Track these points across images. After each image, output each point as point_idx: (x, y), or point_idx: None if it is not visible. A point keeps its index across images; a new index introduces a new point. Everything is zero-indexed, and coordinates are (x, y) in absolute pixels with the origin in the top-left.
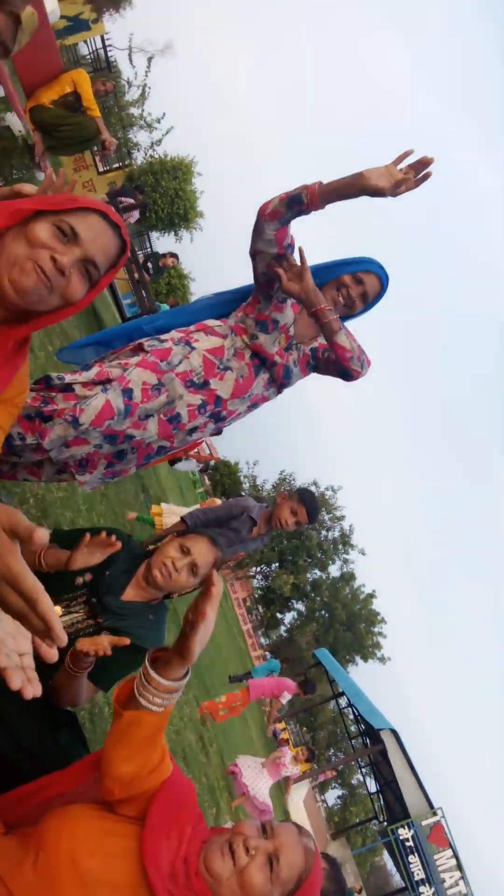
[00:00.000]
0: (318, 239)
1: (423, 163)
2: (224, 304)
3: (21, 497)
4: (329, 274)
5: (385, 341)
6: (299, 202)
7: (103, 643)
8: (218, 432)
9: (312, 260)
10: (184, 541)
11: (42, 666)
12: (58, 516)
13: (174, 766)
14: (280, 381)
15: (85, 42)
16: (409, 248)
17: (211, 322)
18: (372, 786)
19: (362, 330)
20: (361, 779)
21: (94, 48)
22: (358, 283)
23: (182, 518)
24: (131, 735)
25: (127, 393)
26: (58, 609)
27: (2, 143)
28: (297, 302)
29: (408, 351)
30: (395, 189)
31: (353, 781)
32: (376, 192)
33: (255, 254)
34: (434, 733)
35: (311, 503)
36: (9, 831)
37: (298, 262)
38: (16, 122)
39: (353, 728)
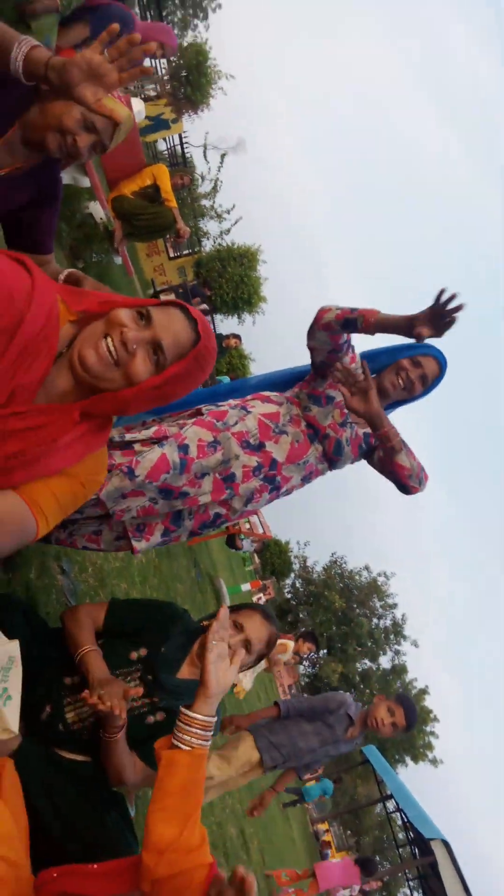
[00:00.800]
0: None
1: (457, 308)
2: (282, 381)
3: (81, 566)
4: (389, 358)
5: (449, 429)
6: (353, 327)
7: (111, 699)
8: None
9: (373, 345)
10: (237, 617)
11: (94, 743)
12: (113, 587)
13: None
14: (331, 456)
15: (164, 139)
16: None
17: (268, 392)
18: None
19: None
20: (408, 893)
21: (171, 144)
22: (416, 366)
23: (275, 702)
24: (167, 784)
25: (183, 448)
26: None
27: (84, 230)
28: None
29: (472, 438)
30: (440, 334)
31: (400, 895)
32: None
33: (312, 348)
34: (490, 848)
35: (409, 706)
36: None
37: (361, 376)
38: (98, 211)
39: (401, 835)
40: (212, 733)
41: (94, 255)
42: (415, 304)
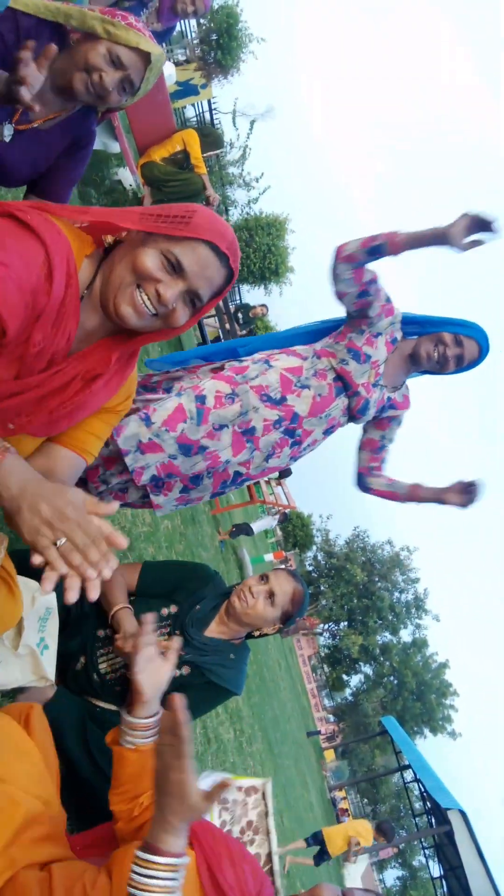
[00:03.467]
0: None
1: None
2: (315, 334)
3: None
4: (433, 328)
5: (479, 404)
6: (380, 252)
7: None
8: (290, 466)
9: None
10: (264, 573)
11: (125, 694)
12: (141, 550)
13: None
14: (355, 413)
15: (192, 105)
16: None
17: (296, 347)
18: (435, 869)
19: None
20: (424, 861)
21: (200, 111)
22: (457, 345)
23: None
24: (120, 774)
25: (200, 399)
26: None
27: (113, 196)
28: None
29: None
30: (466, 246)
31: (415, 863)
32: (451, 245)
33: (340, 296)
34: None
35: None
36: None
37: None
38: (127, 177)
39: (417, 805)
40: (155, 729)
41: None
42: (451, 283)
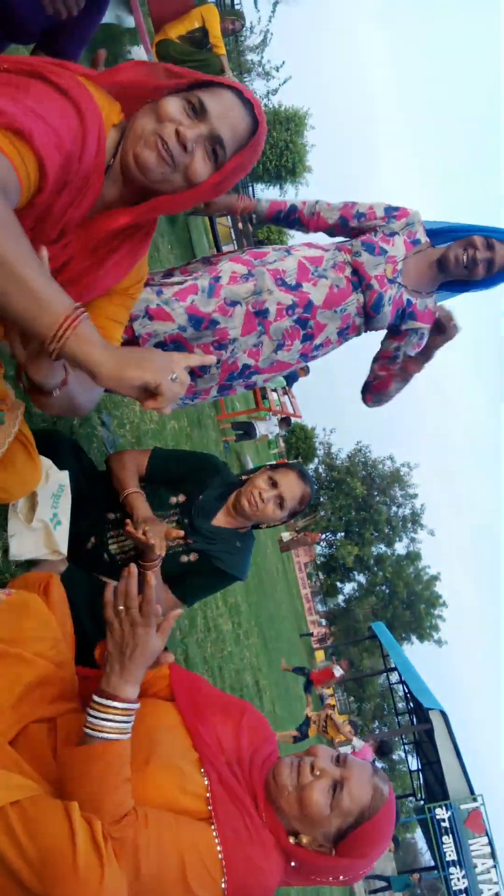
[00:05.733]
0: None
1: None
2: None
3: (119, 421)
4: (463, 234)
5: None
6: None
7: (155, 537)
8: (302, 371)
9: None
10: (273, 473)
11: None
12: (147, 446)
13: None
14: (369, 310)
15: None
16: None
17: (317, 241)
18: (413, 764)
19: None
20: (403, 755)
21: None
22: (488, 249)
23: None
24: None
25: (215, 278)
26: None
27: None
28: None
29: None
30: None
31: (395, 757)
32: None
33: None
34: (484, 726)
35: None
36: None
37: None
38: (142, 55)
39: (401, 705)
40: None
41: None
42: (465, 206)
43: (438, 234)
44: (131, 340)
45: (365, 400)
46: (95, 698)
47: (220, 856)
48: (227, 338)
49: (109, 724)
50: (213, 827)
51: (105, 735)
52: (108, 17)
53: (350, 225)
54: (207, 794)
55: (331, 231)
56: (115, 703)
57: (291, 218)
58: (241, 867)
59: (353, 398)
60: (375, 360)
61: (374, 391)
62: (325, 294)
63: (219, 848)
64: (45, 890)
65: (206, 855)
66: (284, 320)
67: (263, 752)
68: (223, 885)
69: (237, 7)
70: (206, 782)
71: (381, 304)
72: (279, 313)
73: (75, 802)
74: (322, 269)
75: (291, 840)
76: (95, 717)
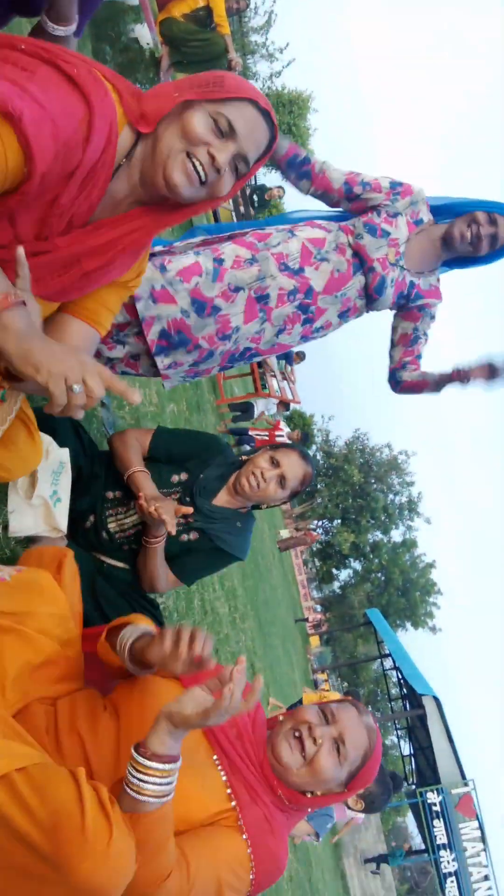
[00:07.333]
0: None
1: None
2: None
3: (119, 402)
4: (466, 209)
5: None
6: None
7: (166, 513)
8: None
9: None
10: (275, 453)
11: (132, 554)
12: (147, 428)
13: None
14: (371, 292)
15: None
16: None
17: (321, 221)
18: (406, 749)
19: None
20: (396, 740)
21: None
22: (491, 224)
23: None
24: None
25: (218, 260)
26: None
27: (129, 55)
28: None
29: None
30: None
31: (387, 742)
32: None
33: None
34: (476, 713)
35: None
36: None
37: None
38: (145, 34)
39: (394, 691)
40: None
41: (138, 84)
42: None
43: (440, 210)
44: (135, 322)
45: (395, 389)
46: (135, 755)
47: (251, 861)
48: (230, 328)
49: (149, 787)
50: (244, 837)
51: (149, 800)
52: None
53: (354, 192)
54: (228, 791)
55: (332, 198)
56: (155, 765)
57: (304, 168)
58: (265, 858)
59: (352, 387)
60: (393, 345)
61: (407, 389)
62: (325, 280)
63: (249, 851)
64: (55, 852)
65: (240, 866)
66: (286, 306)
67: (258, 719)
68: (251, 877)
69: None
70: (223, 777)
71: (383, 286)
72: (280, 299)
73: (82, 767)
74: (324, 252)
75: (308, 796)
76: (135, 778)
